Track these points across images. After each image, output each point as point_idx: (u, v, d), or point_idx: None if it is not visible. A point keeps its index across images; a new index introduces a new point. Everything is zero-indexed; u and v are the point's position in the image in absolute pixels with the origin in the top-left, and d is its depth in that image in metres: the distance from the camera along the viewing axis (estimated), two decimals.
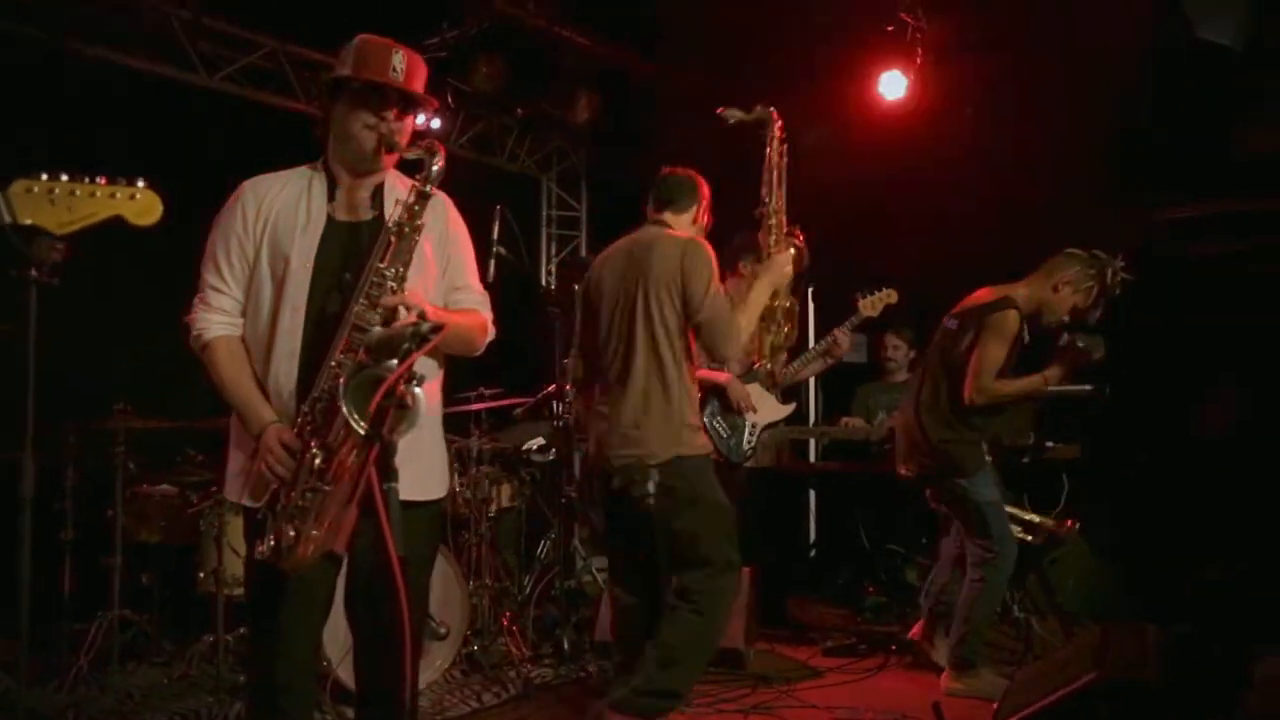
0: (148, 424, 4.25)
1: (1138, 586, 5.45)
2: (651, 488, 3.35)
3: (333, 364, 2.22)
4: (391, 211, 2.36)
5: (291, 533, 2.19)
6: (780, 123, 3.69)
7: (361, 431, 2.00)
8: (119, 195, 2.35)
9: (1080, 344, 4.10)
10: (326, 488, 2.16)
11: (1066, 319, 4.22)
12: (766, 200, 3.68)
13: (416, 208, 2.28)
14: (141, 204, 2.37)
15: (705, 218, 3.75)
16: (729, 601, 3.53)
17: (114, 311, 4.54)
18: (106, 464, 4.19)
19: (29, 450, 3.02)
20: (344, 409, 2.01)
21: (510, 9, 5.48)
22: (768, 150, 3.69)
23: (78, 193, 2.33)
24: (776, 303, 3.66)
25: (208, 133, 5.30)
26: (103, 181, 2.35)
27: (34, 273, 2.69)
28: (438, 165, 2.29)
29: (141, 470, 4.42)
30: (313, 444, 2.18)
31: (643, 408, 3.40)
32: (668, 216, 3.65)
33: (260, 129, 5.65)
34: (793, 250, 3.65)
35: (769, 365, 3.74)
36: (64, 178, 2.34)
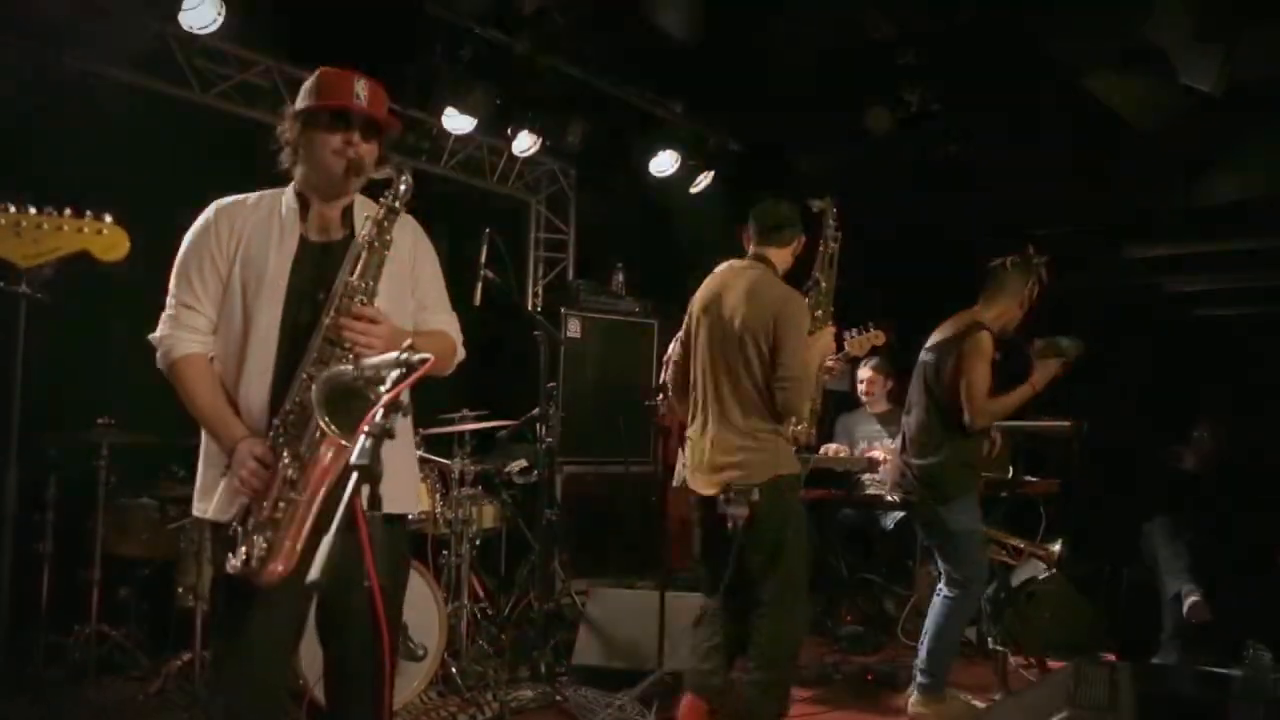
0: (130, 438, 4.25)
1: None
2: (750, 506, 3.47)
3: (304, 376, 2.24)
4: (361, 228, 2.40)
5: (264, 544, 2.18)
6: (836, 210, 3.97)
7: (334, 434, 2.00)
8: (86, 230, 2.34)
9: (1064, 343, 4.27)
10: (299, 497, 2.17)
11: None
12: (820, 280, 3.90)
13: (385, 223, 2.33)
14: (108, 239, 2.37)
15: (801, 249, 3.88)
16: (804, 617, 3.73)
17: (98, 325, 4.52)
18: (88, 477, 4.19)
19: (12, 462, 3.02)
20: (316, 413, 2.00)
21: (501, 35, 5.53)
22: (824, 235, 3.96)
23: (45, 226, 2.30)
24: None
25: (198, 149, 5.29)
26: (70, 214, 2.33)
27: (24, 288, 2.69)
28: (405, 184, 2.35)
29: (123, 484, 4.40)
30: (285, 454, 2.20)
31: (738, 437, 3.55)
32: (771, 252, 3.75)
33: (251, 147, 5.66)
34: (833, 328, 3.87)
35: (804, 430, 3.89)
36: (31, 210, 2.31)
